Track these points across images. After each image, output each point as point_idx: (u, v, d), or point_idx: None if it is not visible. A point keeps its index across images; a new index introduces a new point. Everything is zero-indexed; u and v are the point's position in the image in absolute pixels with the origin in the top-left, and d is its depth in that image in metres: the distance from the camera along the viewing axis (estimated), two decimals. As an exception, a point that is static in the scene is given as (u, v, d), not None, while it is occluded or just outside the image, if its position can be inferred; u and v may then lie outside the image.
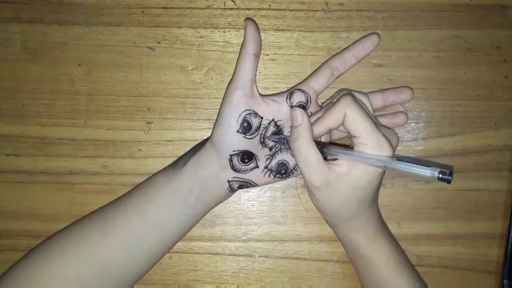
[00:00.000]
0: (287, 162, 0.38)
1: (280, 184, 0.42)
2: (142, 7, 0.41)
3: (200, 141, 0.41)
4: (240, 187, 0.38)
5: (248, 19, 0.35)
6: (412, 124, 0.42)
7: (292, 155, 0.35)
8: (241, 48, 0.35)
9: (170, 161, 0.41)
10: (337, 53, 0.38)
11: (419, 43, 0.41)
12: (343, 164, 0.33)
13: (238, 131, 0.35)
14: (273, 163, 0.38)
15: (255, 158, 0.37)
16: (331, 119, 0.33)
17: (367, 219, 0.36)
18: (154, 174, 0.38)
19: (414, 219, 0.42)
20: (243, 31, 0.41)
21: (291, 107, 0.37)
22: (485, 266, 0.43)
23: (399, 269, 0.37)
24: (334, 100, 0.36)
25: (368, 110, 0.35)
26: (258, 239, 0.42)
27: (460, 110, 0.42)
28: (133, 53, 0.41)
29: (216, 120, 0.36)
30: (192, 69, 0.41)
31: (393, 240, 0.38)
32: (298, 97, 0.37)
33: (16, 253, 0.38)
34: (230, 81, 0.35)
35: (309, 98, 0.37)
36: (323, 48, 0.41)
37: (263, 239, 0.42)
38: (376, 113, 0.38)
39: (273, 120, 0.36)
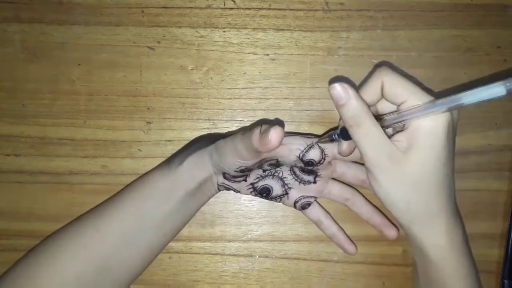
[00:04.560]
0: (271, 188, 0.38)
1: (280, 184, 0.42)
2: (141, 7, 0.40)
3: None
4: (227, 189, 0.38)
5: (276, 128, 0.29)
6: (412, 124, 0.42)
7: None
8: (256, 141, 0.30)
9: (170, 161, 0.41)
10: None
11: (420, 43, 0.41)
12: (402, 139, 0.28)
13: (236, 170, 0.34)
14: (260, 183, 0.37)
15: (247, 174, 0.37)
16: (369, 91, 0.29)
17: (447, 220, 0.29)
18: (149, 172, 0.38)
19: (414, 219, 0.42)
20: (243, 30, 0.41)
21: (301, 159, 0.34)
22: (485, 266, 0.42)
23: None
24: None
25: None
26: (258, 239, 0.42)
27: (461, 110, 0.42)
28: (133, 53, 0.41)
29: (218, 145, 0.34)
30: (192, 69, 0.41)
31: (470, 249, 0.32)
32: (313, 156, 0.34)
33: (16, 253, 0.38)
34: (243, 139, 0.32)
35: (323, 160, 0.34)
36: (323, 48, 0.41)
37: (263, 239, 0.42)
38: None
39: (277, 160, 0.35)
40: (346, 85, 0.28)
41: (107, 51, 0.41)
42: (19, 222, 0.41)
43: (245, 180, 0.37)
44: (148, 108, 0.41)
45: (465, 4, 0.41)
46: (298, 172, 0.38)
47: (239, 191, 0.38)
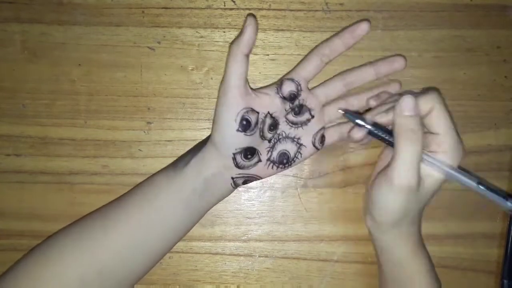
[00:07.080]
0: (288, 152, 0.38)
1: (280, 184, 0.42)
2: (142, 7, 0.41)
3: (200, 141, 0.41)
4: (245, 182, 0.38)
5: (250, 16, 0.34)
6: (412, 124, 0.42)
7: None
8: (233, 46, 0.33)
9: (170, 161, 0.40)
10: (326, 40, 0.38)
11: (419, 43, 0.41)
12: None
13: (238, 130, 0.34)
14: (274, 154, 0.38)
15: (257, 152, 0.37)
16: (420, 108, 0.32)
17: (417, 230, 0.36)
18: (154, 174, 0.38)
19: (414, 219, 0.42)
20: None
21: (283, 97, 0.37)
22: (485, 266, 0.43)
23: (434, 283, 0.37)
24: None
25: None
26: (258, 239, 0.42)
27: (460, 110, 0.42)
28: (133, 53, 0.41)
29: (213, 121, 0.36)
30: (192, 69, 0.41)
31: (428, 253, 0.38)
32: (288, 87, 0.37)
33: (16, 253, 0.38)
34: (223, 81, 0.34)
35: (299, 86, 0.37)
36: (323, 48, 0.41)
37: (263, 239, 0.42)
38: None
39: (268, 112, 0.36)
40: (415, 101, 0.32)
41: (107, 51, 0.41)
42: (20, 222, 0.41)
43: (260, 160, 0.37)
44: (149, 108, 0.41)
45: (465, 4, 0.41)
46: (294, 118, 0.38)
47: (260, 177, 0.38)
